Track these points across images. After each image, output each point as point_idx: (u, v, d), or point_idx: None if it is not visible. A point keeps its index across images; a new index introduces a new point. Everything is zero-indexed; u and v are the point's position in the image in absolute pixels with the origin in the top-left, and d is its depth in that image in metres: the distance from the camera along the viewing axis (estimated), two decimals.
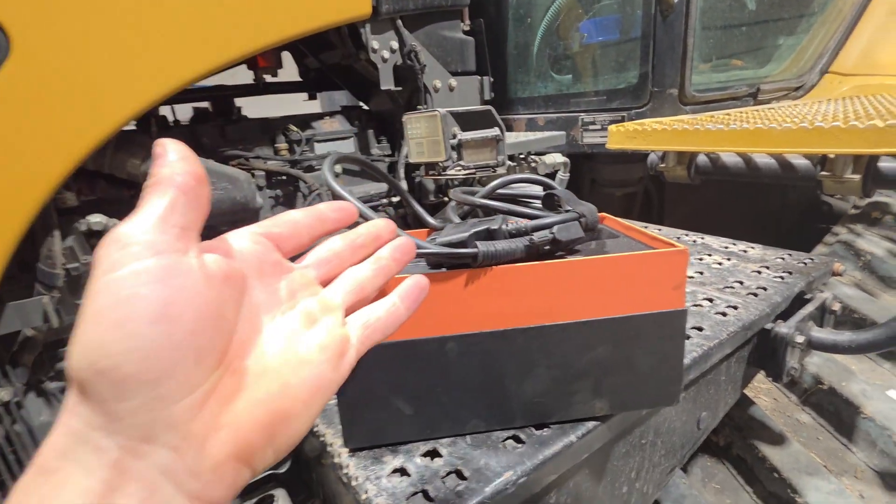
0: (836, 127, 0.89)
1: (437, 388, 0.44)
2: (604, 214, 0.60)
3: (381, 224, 0.36)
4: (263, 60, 1.35)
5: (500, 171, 1.31)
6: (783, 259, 0.91)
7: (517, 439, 0.46)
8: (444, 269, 0.42)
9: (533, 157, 1.52)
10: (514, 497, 0.42)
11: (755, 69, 1.65)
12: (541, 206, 0.53)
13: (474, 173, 1.28)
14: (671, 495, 0.82)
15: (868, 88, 1.56)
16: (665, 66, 1.43)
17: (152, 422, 0.21)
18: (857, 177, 0.92)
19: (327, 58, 1.67)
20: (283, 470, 0.63)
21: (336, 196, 0.44)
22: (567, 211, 0.48)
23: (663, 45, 1.41)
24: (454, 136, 1.26)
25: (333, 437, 0.48)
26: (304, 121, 1.52)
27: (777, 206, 1.98)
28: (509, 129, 1.77)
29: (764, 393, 1.05)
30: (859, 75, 1.60)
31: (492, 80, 1.70)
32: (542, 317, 0.44)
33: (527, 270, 0.42)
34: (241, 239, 0.29)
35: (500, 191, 0.57)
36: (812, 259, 0.90)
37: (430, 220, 0.58)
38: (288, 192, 1.41)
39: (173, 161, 0.24)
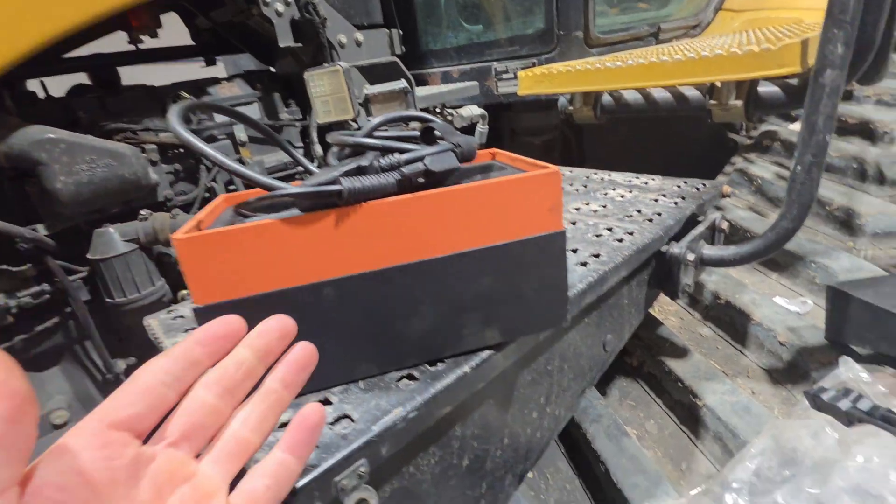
0: (719, 56, 0.92)
1: (319, 337, 0.42)
2: (496, 150, 0.59)
3: (262, 338, 0.31)
4: (135, 19, 1.21)
5: (413, 125, 1.27)
6: (679, 187, 0.96)
7: (411, 377, 0.46)
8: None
9: (449, 110, 1.50)
10: (405, 432, 0.42)
11: (656, 10, 1.70)
12: (420, 142, 0.51)
13: (387, 129, 1.24)
14: (589, 416, 0.87)
15: (757, 22, 1.65)
16: (569, 10, 1.43)
17: None
18: (739, 102, 0.98)
19: (218, 16, 1.53)
20: None
21: (189, 147, 0.40)
22: (443, 142, 0.47)
23: None
24: (360, 93, 1.21)
25: None
26: (198, 87, 1.39)
27: (688, 143, 2.09)
28: (424, 83, 1.73)
29: (672, 314, 1.13)
30: (749, 10, 1.69)
31: (401, 32, 1.63)
32: (420, 252, 0.43)
33: (398, 204, 0.41)
34: (79, 450, 0.24)
35: (385, 134, 0.54)
36: (704, 184, 0.96)
37: (312, 167, 0.55)
38: (189, 166, 1.31)
39: None
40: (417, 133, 0.50)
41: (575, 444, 0.88)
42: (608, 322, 0.75)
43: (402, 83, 1.16)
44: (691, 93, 1.08)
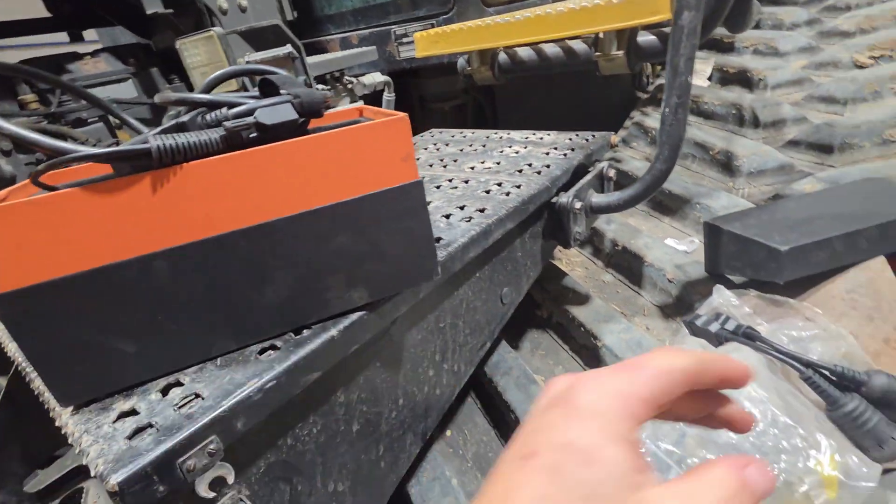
0: (598, 5, 0.94)
1: (158, 315, 0.39)
2: (365, 107, 0.56)
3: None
4: None
5: None
6: (570, 139, 0.98)
7: (274, 347, 0.44)
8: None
9: (349, 78, 1.43)
10: (263, 404, 0.39)
11: None
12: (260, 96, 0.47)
13: None
14: (500, 369, 0.89)
15: None
16: None
17: None
18: (621, 53, 1.00)
19: None
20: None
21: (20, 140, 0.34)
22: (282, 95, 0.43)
23: None
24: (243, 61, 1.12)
25: (55, 401, 0.41)
26: (56, 63, 1.23)
27: (601, 102, 2.15)
28: (324, 51, 1.64)
29: (578, 265, 1.18)
30: None
31: None
32: (262, 214, 0.40)
33: (221, 163, 0.37)
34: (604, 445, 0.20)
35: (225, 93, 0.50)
36: (594, 136, 0.99)
37: (141, 127, 0.50)
38: (52, 154, 1.16)
39: None
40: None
41: (489, 398, 0.90)
42: (502, 275, 0.76)
43: (288, 48, 1.09)
44: (579, 46, 1.10)
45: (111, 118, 1.29)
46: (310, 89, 0.46)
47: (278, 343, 0.44)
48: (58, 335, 0.36)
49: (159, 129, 0.38)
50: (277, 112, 0.40)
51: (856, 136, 1.15)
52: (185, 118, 0.38)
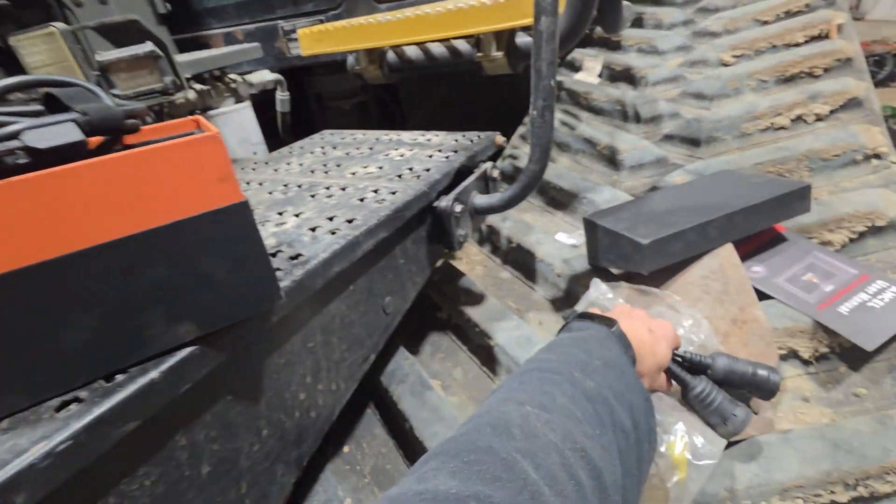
0: (474, 7, 0.94)
1: None
2: (199, 118, 0.51)
3: None
4: None
5: (180, 96, 1.11)
6: (456, 140, 0.98)
7: (77, 400, 0.38)
8: None
9: (234, 76, 1.34)
10: (54, 470, 0.34)
11: None
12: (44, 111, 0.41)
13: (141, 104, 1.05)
14: (396, 377, 0.88)
15: None
16: None
17: None
18: (500, 54, 1.02)
19: None
20: None
21: None
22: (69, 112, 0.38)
23: None
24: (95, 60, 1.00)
25: None
26: None
27: (509, 100, 2.18)
28: (206, 46, 1.52)
29: (478, 263, 1.19)
30: None
31: None
32: (46, 249, 0.35)
33: None
34: None
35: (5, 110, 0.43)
36: (479, 136, 0.99)
37: None
38: None
39: None
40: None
41: (386, 408, 0.88)
42: (382, 285, 0.74)
43: (149, 46, 0.98)
44: (463, 46, 1.10)
45: None
46: (107, 105, 0.40)
47: (82, 394, 0.39)
48: None
49: None
50: (54, 133, 0.35)
51: (719, 130, 1.25)
52: None
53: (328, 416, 0.66)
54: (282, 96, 1.48)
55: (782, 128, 1.23)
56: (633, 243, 0.78)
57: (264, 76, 1.41)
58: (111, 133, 0.40)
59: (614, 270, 0.93)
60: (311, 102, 1.70)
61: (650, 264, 0.77)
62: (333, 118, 1.70)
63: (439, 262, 1.14)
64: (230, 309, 0.44)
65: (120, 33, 1.05)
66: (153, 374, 0.40)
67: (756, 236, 0.86)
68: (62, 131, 0.35)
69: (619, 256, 0.84)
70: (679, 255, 0.78)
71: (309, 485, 0.76)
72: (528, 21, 0.92)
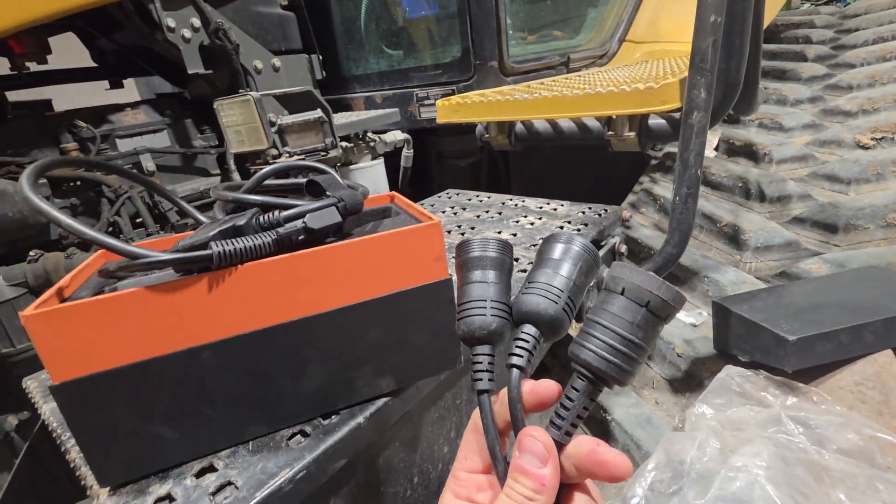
0: (612, 92, 1.00)
1: (200, 403, 0.41)
2: (394, 194, 0.60)
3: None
4: (19, 46, 1.12)
5: (333, 153, 1.27)
6: (583, 213, 1.02)
7: (304, 433, 0.46)
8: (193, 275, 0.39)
9: (372, 136, 1.50)
10: (294, 493, 0.41)
11: (567, 41, 1.81)
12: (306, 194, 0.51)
13: (303, 159, 1.22)
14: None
15: (655, 53, 1.81)
16: (483, 40, 1.49)
17: None
18: (633, 134, 1.06)
19: (122, 38, 1.45)
20: None
21: (48, 217, 0.37)
22: (327, 197, 0.47)
23: (479, 20, 1.46)
24: (276, 121, 1.19)
25: (94, 479, 0.43)
26: (99, 114, 1.31)
27: (609, 165, 2.22)
28: (348, 108, 1.73)
29: None
30: (648, 42, 1.84)
31: (321, 57, 1.63)
32: (303, 309, 0.43)
33: (275, 264, 0.41)
34: None
35: (271, 182, 0.54)
36: (605, 210, 1.03)
37: (200, 217, 0.54)
38: (88, 199, 1.22)
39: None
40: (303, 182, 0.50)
41: None
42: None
43: (318, 113, 1.15)
44: (592, 124, 1.16)
45: (146, 166, 1.35)
46: (352, 191, 0.50)
47: (307, 429, 0.46)
48: (106, 421, 0.38)
49: (217, 228, 0.41)
50: (324, 217, 0.44)
51: (860, 218, 1.18)
52: (241, 221, 0.42)
53: None
54: (407, 153, 1.63)
55: None
56: (775, 337, 0.76)
57: (396, 136, 1.57)
58: (354, 214, 0.49)
59: (746, 360, 0.90)
60: (431, 159, 1.84)
61: (795, 362, 0.74)
62: (448, 174, 1.83)
63: None
64: (421, 368, 0.50)
65: (294, 100, 1.24)
66: (360, 418, 0.47)
67: None
68: (328, 214, 0.44)
69: (755, 348, 0.82)
70: (828, 356, 0.74)
71: None
72: (666, 108, 0.96)
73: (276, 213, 0.44)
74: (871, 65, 1.77)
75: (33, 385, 0.62)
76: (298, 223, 0.43)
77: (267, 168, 0.53)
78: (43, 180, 1.13)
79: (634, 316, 0.30)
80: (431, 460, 0.62)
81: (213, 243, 0.38)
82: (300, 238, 0.43)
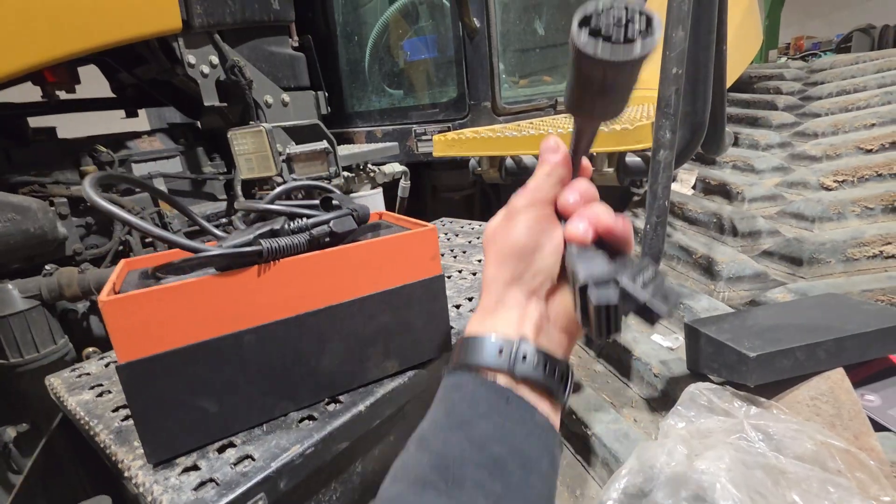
0: None
1: (240, 380, 0.48)
2: (383, 212, 0.69)
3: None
4: (52, 75, 1.22)
5: (336, 182, 1.36)
6: None
7: (311, 418, 0.52)
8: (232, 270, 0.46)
9: (371, 167, 1.60)
10: (303, 467, 0.47)
11: (555, 85, 1.95)
12: (320, 208, 0.59)
13: None
14: None
15: (635, 99, 1.95)
16: (478, 83, 1.62)
17: (535, 283, 0.36)
18: (611, 169, 1.16)
19: (142, 72, 1.56)
20: None
21: (107, 214, 0.45)
22: (341, 209, 0.55)
23: (474, 65, 1.59)
24: (284, 151, 1.28)
25: (125, 455, 0.48)
26: (117, 140, 1.40)
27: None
28: (350, 141, 1.84)
29: (572, 354, 1.26)
30: None
31: (327, 95, 1.75)
32: (328, 298, 0.51)
33: (309, 259, 0.49)
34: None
35: (287, 203, 0.62)
36: None
37: (217, 231, 0.61)
38: (101, 219, 1.29)
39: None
40: (315, 201, 0.59)
41: None
42: None
43: (324, 144, 1.25)
44: None
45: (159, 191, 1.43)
46: (362, 205, 0.58)
47: (315, 414, 0.52)
48: (161, 397, 0.44)
49: (257, 231, 0.49)
50: (344, 223, 0.52)
51: (822, 252, 1.28)
52: (276, 226, 0.50)
53: None
54: (404, 184, 1.73)
55: (893, 256, 1.23)
56: (738, 354, 0.83)
57: (395, 168, 1.67)
58: (365, 223, 0.57)
59: (715, 378, 0.96)
60: (427, 192, 1.94)
61: (756, 377, 0.81)
62: (442, 206, 1.93)
63: None
64: (420, 352, 0.57)
65: (303, 132, 1.33)
66: (360, 406, 0.53)
67: (868, 364, 0.87)
68: (347, 222, 0.53)
69: (722, 366, 0.89)
70: (786, 372, 0.82)
71: None
72: (640, 146, 1.06)
73: (302, 220, 0.52)
74: (834, 115, 1.92)
75: (57, 382, 0.67)
76: (325, 227, 0.51)
77: (284, 185, 0.61)
78: (62, 200, 1.19)
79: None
80: None
81: (261, 241, 0.46)
82: (326, 240, 0.51)
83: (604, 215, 0.36)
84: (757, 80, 2.49)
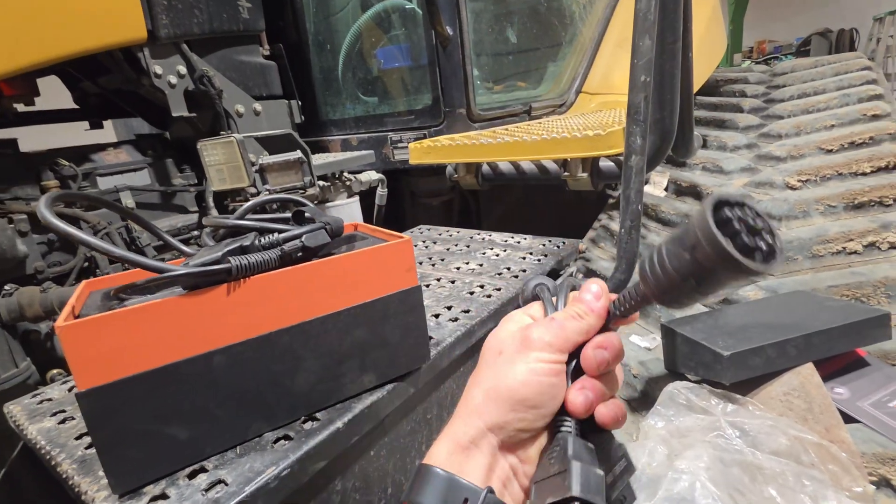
0: (565, 138, 1.12)
1: (210, 403, 0.46)
2: (358, 223, 0.68)
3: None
4: (10, 88, 1.17)
5: (311, 191, 1.34)
6: (544, 245, 1.12)
7: (287, 437, 0.50)
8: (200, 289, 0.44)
9: (347, 175, 1.59)
10: (278, 490, 0.45)
11: (529, 91, 1.98)
12: (292, 221, 0.58)
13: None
14: None
15: (608, 104, 1.99)
16: (452, 90, 1.63)
17: (517, 439, 0.36)
18: (585, 174, 1.18)
19: (107, 82, 1.51)
20: None
21: (64, 235, 0.43)
22: (314, 222, 0.54)
23: (448, 71, 1.60)
24: (257, 162, 1.26)
25: (88, 485, 0.46)
26: (81, 153, 1.35)
27: (573, 204, 2.36)
28: (325, 150, 1.82)
29: None
30: (602, 94, 2.03)
31: (300, 103, 1.73)
32: (302, 314, 0.49)
33: (280, 276, 0.47)
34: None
35: (257, 217, 0.61)
36: (563, 242, 1.13)
37: (185, 248, 0.59)
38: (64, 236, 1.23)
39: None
40: (287, 215, 0.57)
41: None
42: None
43: (297, 153, 1.23)
44: (551, 165, 1.28)
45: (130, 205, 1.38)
46: (336, 218, 0.57)
47: (291, 433, 0.50)
48: (126, 425, 0.42)
49: (226, 248, 0.47)
50: (317, 237, 0.51)
51: (789, 250, 1.32)
52: (246, 242, 0.48)
53: None
54: (381, 192, 1.72)
55: (855, 252, 1.28)
56: (713, 353, 0.85)
57: (371, 175, 1.66)
58: (338, 236, 0.56)
59: (692, 377, 0.98)
60: (405, 198, 1.93)
61: (731, 375, 0.83)
62: (421, 212, 1.92)
63: None
64: (398, 365, 0.56)
65: (275, 142, 1.31)
66: (338, 423, 0.52)
67: (836, 358, 0.90)
68: (320, 235, 0.51)
69: (698, 364, 0.90)
70: (759, 369, 0.83)
71: None
72: (612, 151, 1.08)
73: (273, 235, 0.51)
74: (796, 116, 1.99)
75: (16, 409, 0.64)
76: (297, 242, 0.49)
77: (254, 200, 0.59)
78: (22, 216, 1.15)
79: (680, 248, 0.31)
80: (404, 471, 0.66)
81: (230, 258, 0.44)
82: (298, 255, 0.50)
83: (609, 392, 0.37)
84: (723, 84, 2.56)
